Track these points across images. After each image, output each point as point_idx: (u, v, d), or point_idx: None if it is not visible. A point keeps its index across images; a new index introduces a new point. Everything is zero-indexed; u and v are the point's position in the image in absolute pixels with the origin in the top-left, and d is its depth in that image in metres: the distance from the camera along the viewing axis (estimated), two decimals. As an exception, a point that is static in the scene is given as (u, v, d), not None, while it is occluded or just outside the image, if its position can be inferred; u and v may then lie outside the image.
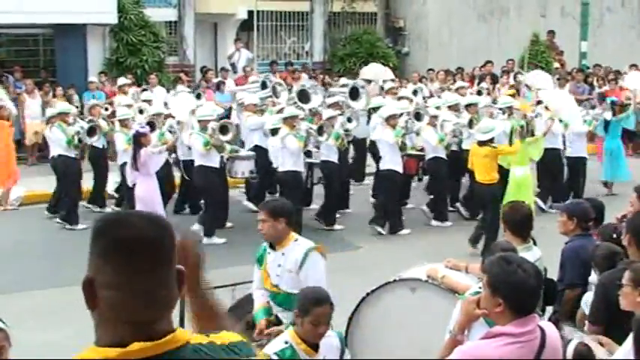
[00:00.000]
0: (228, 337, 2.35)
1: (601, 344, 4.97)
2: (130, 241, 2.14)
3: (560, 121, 14.61)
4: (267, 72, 22.31)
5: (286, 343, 5.10)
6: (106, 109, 16.10)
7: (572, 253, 6.70)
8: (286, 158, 12.72)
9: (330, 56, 25.02)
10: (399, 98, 15.92)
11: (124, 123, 13.87)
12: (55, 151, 13.88)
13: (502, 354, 3.79)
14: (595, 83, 21.86)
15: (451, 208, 14.37)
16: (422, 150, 14.02)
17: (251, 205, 14.08)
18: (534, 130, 14.17)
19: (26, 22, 19.78)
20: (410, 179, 14.91)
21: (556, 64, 24.72)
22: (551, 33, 25.94)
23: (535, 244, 6.51)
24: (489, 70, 22.69)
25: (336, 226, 13.54)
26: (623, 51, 26.68)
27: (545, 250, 6.58)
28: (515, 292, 3.84)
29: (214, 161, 12.93)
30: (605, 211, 7.42)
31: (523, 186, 13.11)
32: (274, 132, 13.18)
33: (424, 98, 17.33)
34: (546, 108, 14.89)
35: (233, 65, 22.68)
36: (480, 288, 4.12)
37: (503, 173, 12.97)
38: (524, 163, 13.38)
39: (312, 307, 5.05)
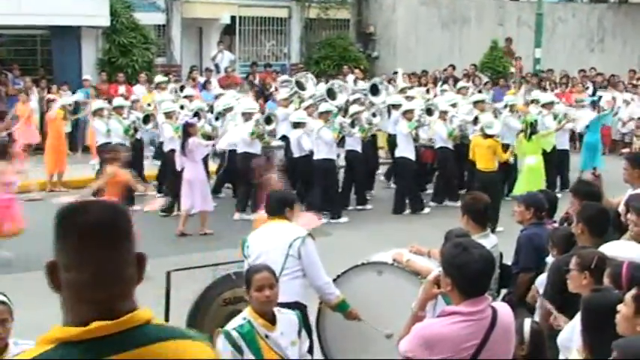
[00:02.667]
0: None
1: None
2: (85, 225, 2.13)
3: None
4: (248, 73, 22.30)
5: (244, 319, 4.96)
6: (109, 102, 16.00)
7: (527, 240, 6.69)
8: (321, 148, 13.45)
9: (306, 59, 24.96)
10: (407, 97, 16.10)
11: (168, 115, 14.16)
12: (105, 140, 14.29)
13: (452, 331, 3.79)
14: (547, 87, 21.94)
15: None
16: (431, 141, 14.81)
17: None
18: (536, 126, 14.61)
19: (25, 24, 19.60)
20: (427, 168, 15.52)
21: (512, 69, 24.84)
22: (509, 40, 26.04)
23: (493, 231, 6.49)
24: (451, 73, 22.76)
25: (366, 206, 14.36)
26: (573, 57, 26.89)
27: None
28: (461, 274, 3.82)
29: (257, 148, 13.51)
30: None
31: (535, 173, 13.87)
32: (296, 125, 13.83)
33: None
34: (542, 106, 15.66)
35: (217, 66, 22.58)
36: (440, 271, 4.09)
37: (508, 164, 13.86)
38: (537, 153, 14.11)
39: (252, 275, 4.97)
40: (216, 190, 14.74)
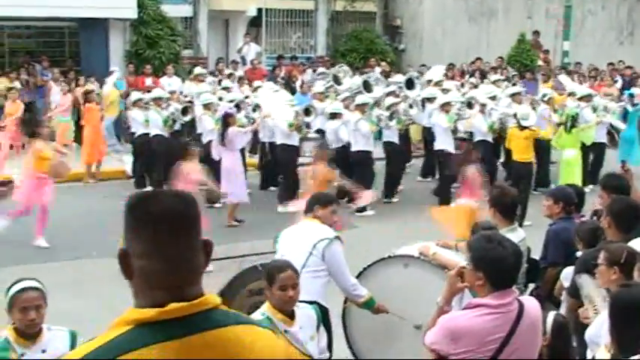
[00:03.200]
0: None
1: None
2: (157, 213, 2.19)
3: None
4: (274, 65, 22.31)
5: (263, 314, 4.94)
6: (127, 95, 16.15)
7: (555, 234, 6.65)
8: (358, 140, 13.64)
9: (332, 51, 24.92)
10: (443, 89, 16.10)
11: (207, 106, 14.32)
12: (141, 130, 14.65)
13: (478, 323, 3.79)
14: (576, 80, 21.73)
15: None
16: (470, 134, 14.75)
17: None
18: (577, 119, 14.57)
19: (53, 16, 19.76)
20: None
21: (540, 62, 24.63)
22: (537, 33, 25.82)
23: (521, 225, 6.46)
24: (478, 67, 22.62)
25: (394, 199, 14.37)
26: (602, 50, 26.59)
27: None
28: (495, 268, 3.83)
29: (295, 140, 13.77)
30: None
31: (573, 166, 13.88)
32: (333, 116, 14.05)
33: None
34: (580, 99, 15.59)
35: (243, 58, 22.61)
36: (468, 264, 4.08)
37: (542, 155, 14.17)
38: (575, 146, 14.09)
39: (276, 274, 4.94)
40: (266, 184, 15.01)
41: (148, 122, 14.56)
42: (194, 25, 22.79)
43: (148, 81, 19.24)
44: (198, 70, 18.79)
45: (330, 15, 25.07)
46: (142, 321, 2.11)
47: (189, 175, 10.68)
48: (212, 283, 6.52)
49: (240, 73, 20.01)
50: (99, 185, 15.57)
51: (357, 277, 6.28)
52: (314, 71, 19.97)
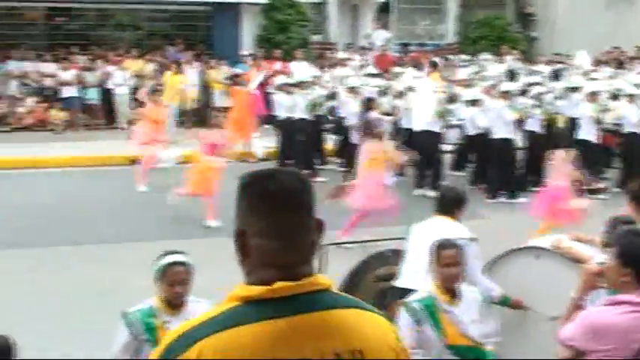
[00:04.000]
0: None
1: None
2: (275, 192, 2.18)
3: None
4: (402, 52, 22.24)
5: (427, 292, 5.07)
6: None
7: None
8: (500, 127, 13.43)
9: (462, 38, 24.59)
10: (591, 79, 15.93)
11: (352, 90, 14.64)
12: (287, 115, 15.05)
13: (622, 321, 3.66)
14: None
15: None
16: (618, 125, 14.41)
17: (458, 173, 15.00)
18: None
19: (188, 0, 20.35)
20: (609, 152, 15.19)
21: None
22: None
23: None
24: (616, 56, 21.79)
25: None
26: None
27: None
28: None
29: (437, 127, 13.87)
30: None
31: None
32: (472, 103, 14.06)
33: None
34: None
35: (371, 44, 22.64)
36: (605, 260, 3.97)
37: None
38: None
39: (440, 251, 5.06)
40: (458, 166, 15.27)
41: (294, 106, 14.91)
42: (323, 11, 22.97)
43: (277, 65, 19.56)
44: (341, 54, 19.11)
45: (461, 1, 24.73)
46: (249, 298, 2.12)
47: None
48: (338, 268, 6.70)
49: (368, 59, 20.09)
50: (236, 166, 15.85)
51: (487, 267, 6.23)
52: (446, 59, 19.87)
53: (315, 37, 22.49)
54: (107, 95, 19.34)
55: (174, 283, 4.56)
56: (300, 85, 15.18)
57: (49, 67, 19.36)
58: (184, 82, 18.18)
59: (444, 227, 6.07)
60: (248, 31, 21.32)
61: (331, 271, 6.74)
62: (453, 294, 5.08)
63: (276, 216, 2.17)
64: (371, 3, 23.49)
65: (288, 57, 20.09)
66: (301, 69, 17.96)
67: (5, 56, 19.46)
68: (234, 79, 17.13)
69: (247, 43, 21.07)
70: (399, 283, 6.18)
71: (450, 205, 6.24)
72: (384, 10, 24.08)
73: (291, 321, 2.09)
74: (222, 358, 2.04)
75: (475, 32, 24.08)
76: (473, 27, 24.41)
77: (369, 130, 12.71)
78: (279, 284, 2.11)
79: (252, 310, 2.10)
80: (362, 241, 6.99)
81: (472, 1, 24.87)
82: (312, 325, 2.11)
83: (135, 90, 18.51)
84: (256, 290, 2.12)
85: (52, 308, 8.27)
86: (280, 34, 20.73)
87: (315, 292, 2.16)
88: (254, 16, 21.34)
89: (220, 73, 19.47)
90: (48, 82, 19.18)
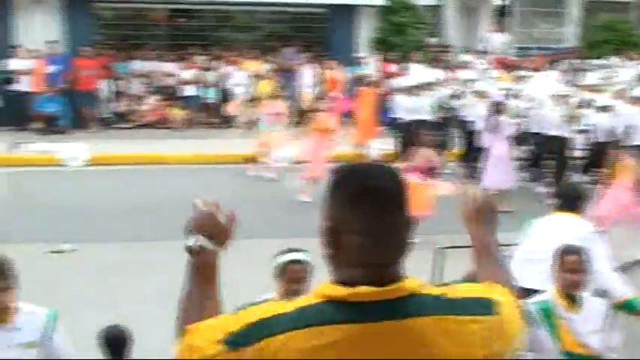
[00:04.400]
0: (465, 291, 2.22)
1: None
2: (373, 188, 2.12)
3: None
4: (522, 55, 21.81)
5: (547, 296, 4.98)
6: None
7: None
8: (634, 134, 13.26)
9: (583, 42, 23.91)
10: None
11: (480, 94, 14.66)
12: (406, 116, 15.15)
13: None
14: None
15: None
16: None
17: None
18: None
19: (308, 2, 20.60)
20: None
21: None
22: None
23: None
24: None
25: None
26: None
27: None
28: None
29: (565, 131, 13.64)
30: None
31: None
32: (603, 109, 13.82)
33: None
34: None
35: (487, 47, 22.30)
36: None
37: None
38: None
39: (563, 256, 4.95)
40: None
41: (418, 109, 14.93)
42: (441, 14, 22.78)
43: (393, 68, 19.51)
44: (464, 57, 19.00)
45: (583, 3, 24.05)
46: (332, 298, 2.07)
47: (426, 160, 10.84)
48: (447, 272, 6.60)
49: (484, 62, 19.80)
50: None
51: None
52: (570, 63, 19.45)
53: (431, 40, 22.31)
54: (225, 95, 19.78)
55: (292, 280, 4.60)
56: (423, 86, 15.19)
57: (170, 67, 19.94)
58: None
59: (568, 223, 5.94)
60: (364, 33, 21.37)
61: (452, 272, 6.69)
62: (573, 300, 4.95)
63: (371, 213, 2.11)
64: (488, 6, 23.13)
65: (404, 59, 20.02)
66: (419, 71, 17.92)
67: (129, 56, 20.15)
68: (362, 80, 17.25)
69: (363, 45, 21.12)
70: (523, 283, 6.06)
71: (573, 200, 6.13)
72: (501, 13, 23.69)
73: (368, 327, 2.04)
74: (302, 358, 1.99)
75: (597, 36, 23.37)
76: (595, 31, 23.70)
77: (497, 133, 12.68)
78: (363, 289, 2.06)
79: (333, 310, 2.06)
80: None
81: (595, 4, 24.15)
82: (393, 332, 2.05)
83: (250, 90, 18.83)
84: (340, 291, 2.07)
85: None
86: (396, 37, 20.67)
87: (400, 298, 2.09)
88: (370, 18, 21.36)
89: (338, 74, 19.60)
90: (169, 81, 19.77)
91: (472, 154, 14.43)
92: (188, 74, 19.67)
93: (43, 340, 4.39)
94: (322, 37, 22.16)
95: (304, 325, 2.02)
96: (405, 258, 2.15)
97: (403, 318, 2.06)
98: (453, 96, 15.41)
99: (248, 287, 4.96)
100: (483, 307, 2.18)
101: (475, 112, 14.55)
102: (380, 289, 2.06)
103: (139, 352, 5.47)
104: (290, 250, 4.74)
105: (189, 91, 19.61)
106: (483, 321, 2.14)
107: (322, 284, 2.13)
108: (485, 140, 13.18)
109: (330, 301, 2.07)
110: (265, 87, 16.44)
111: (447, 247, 6.92)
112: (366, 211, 2.10)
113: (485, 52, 21.76)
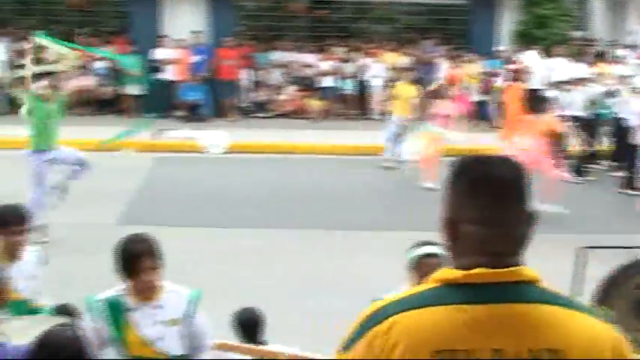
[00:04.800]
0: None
1: None
2: (495, 178, 2.14)
3: None
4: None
5: None
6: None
7: None
8: None
9: None
10: None
11: (637, 90, 14.27)
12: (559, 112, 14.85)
13: None
14: None
15: None
16: None
17: None
18: None
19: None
20: None
21: None
22: None
23: None
24: None
25: None
26: None
27: None
28: None
29: None
30: None
31: None
32: None
33: None
34: None
35: (635, 42, 21.33)
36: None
37: None
38: None
39: None
40: None
41: (570, 104, 14.58)
42: (588, 6, 21.99)
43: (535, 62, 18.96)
44: (620, 51, 18.37)
45: None
46: (449, 281, 2.12)
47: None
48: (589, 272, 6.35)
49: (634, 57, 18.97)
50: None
51: None
52: None
53: (576, 34, 21.58)
54: (362, 86, 19.81)
55: (427, 274, 4.52)
56: (576, 82, 14.84)
57: (309, 58, 20.17)
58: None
59: None
60: (506, 26, 20.88)
61: (587, 274, 6.45)
62: None
63: (492, 204, 2.12)
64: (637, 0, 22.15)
65: (546, 53, 19.45)
66: (563, 66, 17.40)
67: (270, 47, 20.51)
68: (515, 75, 16.90)
69: (504, 39, 20.65)
70: None
71: None
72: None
73: (481, 309, 2.05)
74: (410, 334, 2.05)
75: None
76: None
77: None
78: (476, 270, 2.09)
79: (450, 292, 2.10)
80: (627, 247, 6.57)
81: None
82: (508, 316, 2.05)
83: (389, 82, 18.78)
84: (456, 274, 2.12)
85: (304, 288, 8.59)
86: (540, 30, 20.09)
87: (515, 282, 2.09)
88: (512, 10, 20.86)
89: (475, 67, 19.25)
90: (307, 71, 20.00)
91: (625, 152, 13.96)
92: (326, 65, 19.84)
93: (185, 318, 4.55)
94: (463, 30, 21.83)
95: (417, 306, 2.09)
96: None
97: (522, 302, 2.07)
98: (608, 93, 14.93)
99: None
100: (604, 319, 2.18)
101: (630, 109, 14.05)
102: (493, 271, 2.08)
103: (271, 335, 5.55)
104: (425, 243, 4.68)
105: (327, 82, 19.78)
106: (610, 329, 2.13)
107: (441, 270, 2.19)
108: (638, 137, 12.86)
109: (447, 284, 2.12)
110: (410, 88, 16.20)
111: (591, 247, 6.64)
112: (486, 200, 2.13)
113: (635, 47, 20.85)
